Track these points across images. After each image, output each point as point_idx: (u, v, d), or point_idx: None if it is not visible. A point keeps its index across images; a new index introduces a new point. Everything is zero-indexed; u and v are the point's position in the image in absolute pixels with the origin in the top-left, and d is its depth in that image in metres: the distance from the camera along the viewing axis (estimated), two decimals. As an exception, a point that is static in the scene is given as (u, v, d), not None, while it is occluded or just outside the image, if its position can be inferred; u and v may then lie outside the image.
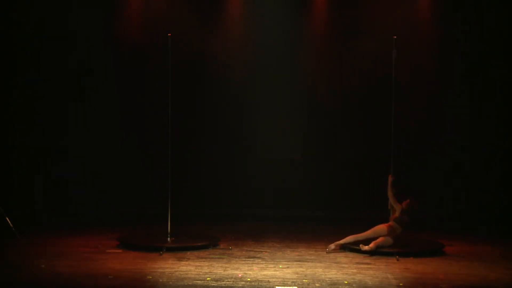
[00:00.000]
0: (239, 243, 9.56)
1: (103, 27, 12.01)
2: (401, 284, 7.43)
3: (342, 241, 9.07)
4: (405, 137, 11.42)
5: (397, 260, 8.59)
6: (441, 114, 12.01)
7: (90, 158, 12.12)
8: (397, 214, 9.09)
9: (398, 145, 9.68)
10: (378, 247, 8.88)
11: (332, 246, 9.06)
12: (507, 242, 9.89)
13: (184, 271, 7.83)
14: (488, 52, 11.79)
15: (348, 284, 7.38)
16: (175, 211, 9.35)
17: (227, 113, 12.29)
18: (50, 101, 11.96)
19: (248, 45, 12.18)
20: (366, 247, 8.86)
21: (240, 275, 7.68)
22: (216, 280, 7.44)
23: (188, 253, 8.82)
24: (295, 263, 8.37)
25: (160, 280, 7.43)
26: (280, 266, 8.18)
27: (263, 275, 7.73)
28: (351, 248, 9.08)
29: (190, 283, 7.31)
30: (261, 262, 8.41)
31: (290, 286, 7.27)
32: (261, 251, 9.05)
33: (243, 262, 8.39)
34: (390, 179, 9.25)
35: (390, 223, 9.06)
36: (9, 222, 9.40)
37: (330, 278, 7.63)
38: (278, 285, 7.28)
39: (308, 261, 8.46)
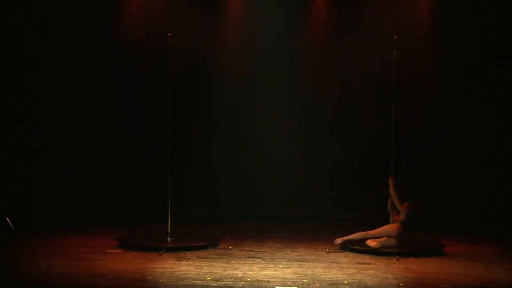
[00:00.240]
0: (239, 243, 9.56)
1: (103, 27, 12.02)
2: (401, 284, 7.44)
3: (350, 237, 9.07)
4: (405, 137, 11.42)
5: (397, 260, 8.59)
6: (441, 114, 12.01)
7: (90, 158, 12.12)
8: (402, 216, 9.08)
9: (398, 145, 9.68)
10: (382, 246, 8.92)
11: (339, 240, 9.06)
12: (507, 242, 9.89)
13: (184, 271, 7.84)
14: (488, 52, 11.79)
15: (348, 284, 7.38)
16: (175, 211, 9.35)
17: (227, 113, 12.29)
18: (50, 101, 11.95)
19: (248, 45, 12.18)
20: (373, 244, 8.91)
21: (240, 275, 7.68)
22: (216, 280, 7.44)
23: (188, 253, 8.82)
24: (295, 263, 8.37)
25: (160, 280, 7.43)
26: (280, 266, 8.18)
27: (263, 275, 7.73)
28: (351, 248, 9.08)
29: (190, 283, 7.31)
30: (261, 262, 8.41)
31: (290, 286, 7.27)
32: (261, 251, 9.05)
33: (243, 262, 8.39)
34: (390, 181, 9.25)
35: (399, 225, 9.04)
36: (9, 222, 9.40)
37: (330, 278, 7.63)
38: (278, 285, 7.29)
39: (308, 261, 8.47)
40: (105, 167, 12.12)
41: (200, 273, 7.77)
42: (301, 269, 8.05)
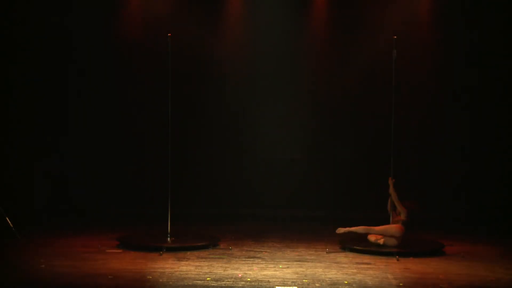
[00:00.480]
0: (239, 243, 9.56)
1: (103, 27, 12.01)
2: (401, 284, 7.44)
3: (353, 229, 9.06)
4: (405, 137, 11.42)
5: (397, 260, 8.59)
6: (441, 114, 12.01)
7: (90, 158, 12.12)
8: (403, 217, 9.09)
9: (398, 145, 9.68)
10: (383, 244, 8.96)
11: (342, 230, 9.05)
12: (507, 242, 9.89)
13: (184, 271, 7.83)
14: (489, 52, 11.79)
15: (348, 284, 7.38)
16: (175, 211, 9.35)
17: (227, 113, 12.29)
18: (50, 100, 11.95)
19: (248, 44, 12.18)
20: (374, 238, 8.95)
21: (240, 275, 7.68)
22: (216, 280, 7.44)
23: (188, 253, 8.82)
24: (295, 263, 8.37)
25: (160, 280, 7.43)
26: (280, 266, 8.18)
27: (263, 275, 7.73)
28: (351, 248, 9.08)
29: (190, 283, 7.31)
30: (261, 262, 8.41)
31: (290, 286, 7.27)
32: (261, 251, 9.05)
33: (243, 262, 8.39)
34: (390, 181, 9.25)
35: (402, 226, 9.05)
36: (9, 222, 9.40)
37: (330, 278, 7.63)
38: (278, 285, 7.29)
39: (308, 261, 8.47)
40: (105, 167, 12.12)
41: (200, 273, 7.77)
42: (301, 269, 8.05)
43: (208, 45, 12.08)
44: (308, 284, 7.34)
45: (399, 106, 9.70)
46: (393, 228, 9.06)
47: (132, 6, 12.08)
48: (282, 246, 9.41)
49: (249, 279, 7.51)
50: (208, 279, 7.50)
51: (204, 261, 8.37)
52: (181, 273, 7.77)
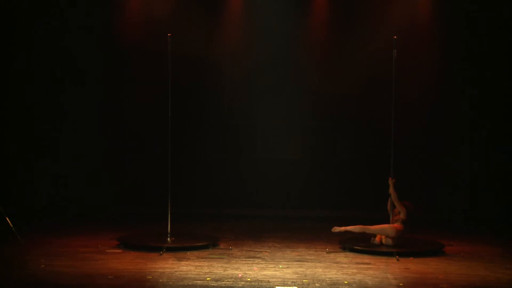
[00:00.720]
0: (239, 243, 9.56)
1: (103, 26, 12.01)
2: (401, 284, 7.44)
3: (349, 228, 9.07)
4: (405, 137, 11.41)
5: (397, 260, 8.59)
6: (441, 114, 12.01)
7: (90, 158, 12.12)
8: (402, 216, 9.09)
9: (398, 145, 9.68)
10: (381, 244, 9.00)
11: (337, 229, 9.05)
12: (507, 242, 9.89)
13: (184, 271, 7.84)
14: (489, 52, 11.79)
15: (348, 284, 7.38)
16: (175, 211, 9.35)
17: (227, 113, 12.29)
18: (49, 101, 11.96)
19: (248, 45, 12.17)
20: (376, 240, 9.02)
21: (240, 275, 7.68)
22: (216, 280, 7.44)
23: (188, 253, 8.82)
24: (295, 263, 8.37)
25: (160, 280, 7.43)
26: (280, 266, 8.18)
27: (263, 275, 7.73)
28: (351, 248, 9.09)
29: (190, 283, 7.31)
30: (261, 262, 8.41)
31: (290, 286, 7.27)
32: (261, 251, 9.05)
33: (243, 262, 8.39)
34: (390, 181, 9.26)
35: (398, 225, 9.05)
36: (9, 222, 9.37)
37: (330, 278, 7.63)
38: (278, 285, 7.28)
39: (308, 261, 8.47)
40: (105, 167, 12.13)
41: (200, 273, 7.77)
42: (301, 269, 8.05)
43: (208, 45, 12.08)
44: (308, 284, 7.34)
45: (399, 106, 9.70)
46: (388, 228, 9.06)
47: (132, 6, 12.09)
48: (282, 246, 9.41)
49: (249, 279, 7.51)
50: (208, 279, 7.50)
51: (204, 261, 8.37)
52: (181, 273, 7.77)
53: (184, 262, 8.32)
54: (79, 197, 11.97)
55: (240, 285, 7.29)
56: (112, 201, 12.04)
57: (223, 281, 7.42)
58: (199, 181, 12.17)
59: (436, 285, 7.38)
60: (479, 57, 11.80)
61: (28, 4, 11.70)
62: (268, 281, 7.44)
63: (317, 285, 7.32)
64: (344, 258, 8.71)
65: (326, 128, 12.33)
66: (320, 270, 8.01)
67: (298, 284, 7.35)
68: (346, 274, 7.83)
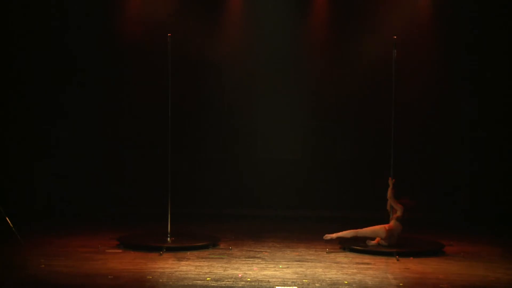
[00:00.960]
0: (239, 243, 9.56)
1: (103, 26, 12.01)
2: (401, 284, 7.44)
3: (340, 234, 9.06)
4: (406, 137, 11.42)
5: (397, 260, 8.59)
6: (441, 114, 12.01)
7: (90, 158, 12.13)
8: (399, 213, 9.11)
9: (398, 145, 9.68)
10: (379, 244, 9.01)
11: (329, 236, 9.04)
12: (507, 242, 9.89)
13: (184, 271, 7.83)
14: (489, 52, 11.79)
15: (348, 284, 7.38)
16: (175, 211, 9.35)
17: (227, 113, 12.29)
18: (49, 101, 11.95)
19: (248, 45, 12.18)
20: (372, 242, 9.03)
21: (240, 275, 7.68)
22: (216, 280, 7.44)
23: (188, 253, 8.82)
24: (295, 263, 8.37)
25: (160, 280, 7.43)
26: (280, 266, 8.18)
27: (263, 275, 7.73)
28: (351, 248, 9.09)
29: (190, 283, 7.31)
30: (261, 262, 8.41)
31: (290, 286, 7.27)
32: (261, 251, 9.05)
33: (243, 262, 8.39)
34: (390, 181, 9.26)
35: (391, 224, 9.06)
36: (9, 222, 9.37)
37: (330, 278, 7.63)
38: (278, 285, 7.28)
39: (308, 261, 8.47)
40: (105, 167, 12.13)
41: (200, 273, 7.77)
42: (301, 269, 8.05)
43: (208, 45, 12.09)
44: (308, 284, 7.34)
45: (399, 106, 9.70)
46: (379, 230, 9.07)
47: (132, 6, 12.09)
48: (282, 246, 9.41)
49: (249, 279, 7.51)
50: (208, 279, 7.50)
51: (204, 261, 8.37)
52: (181, 273, 7.77)
53: (184, 262, 8.32)
54: (79, 197, 11.97)
55: (240, 285, 7.29)
56: (112, 201, 12.04)
57: (223, 281, 7.42)
58: (199, 181, 12.18)
59: (436, 285, 7.38)
60: (479, 57, 11.79)
61: (28, 4, 11.68)
62: (268, 281, 7.44)
63: (317, 285, 7.32)
64: (344, 258, 8.71)
65: (326, 128, 12.34)
66: (320, 270, 8.01)
67: (298, 284, 7.35)
68: (346, 274, 7.83)
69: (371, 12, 11.95)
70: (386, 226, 9.06)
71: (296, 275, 7.73)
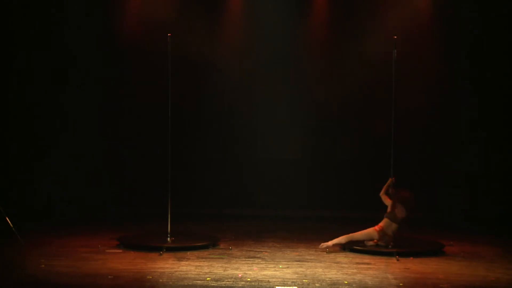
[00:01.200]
0: (239, 243, 9.56)
1: (103, 26, 12.01)
2: (401, 284, 7.43)
3: (336, 241, 9.03)
4: (405, 137, 11.41)
5: (397, 260, 8.59)
6: (441, 114, 12.01)
7: (90, 158, 12.13)
8: (388, 209, 9.12)
9: (398, 145, 9.68)
10: (378, 245, 9.02)
11: (325, 245, 9.03)
12: (507, 242, 9.89)
13: (184, 271, 7.83)
14: (489, 52, 11.79)
15: (348, 284, 7.38)
16: (175, 211, 9.35)
17: (227, 113, 12.30)
18: (49, 101, 11.95)
19: (248, 45, 12.18)
20: (371, 242, 9.02)
21: (240, 275, 7.67)
22: (216, 280, 7.43)
23: (188, 253, 8.82)
24: (295, 263, 8.37)
25: (160, 280, 7.43)
26: (280, 266, 8.18)
27: (263, 275, 7.73)
28: (351, 248, 9.08)
29: (190, 283, 7.31)
30: (261, 262, 8.41)
31: (290, 286, 7.27)
32: (261, 251, 9.05)
33: (243, 262, 8.39)
34: (390, 181, 9.27)
35: (381, 224, 9.06)
36: (10, 223, 9.37)
37: (330, 278, 7.63)
38: (278, 285, 7.28)
39: (308, 261, 8.47)
40: (105, 167, 12.13)
41: (200, 273, 7.77)
42: (301, 269, 8.05)
43: (208, 45, 12.09)
44: (308, 284, 7.34)
45: (399, 106, 9.70)
46: (371, 232, 9.07)
47: (132, 6, 12.09)
48: (282, 246, 9.41)
49: (249, 279, 7.51)
50: (208, 279, 7.49)
51: (204, 261, 8.37)
52: (181, 273, 7.76)
53: (184, 262, 8.32)
54: (79, 197, 11.97)
55: (240, 285, 7.29)
56: (112, 201, 12.04)
57: (223, 281, 7.42)
58: (199, 181, 12.18)
59: (436, 285, 7.38)
60: (479, 57, 11.79)
61: (28, 4, 11.68)
62: (268, 281, 7.44)
63: (317, 285, 7.32)
64: (344, 258, 8.71)
65: (326, 128, 12.34)
66: (320, 270, 8.01)
67: (298, 284, 7.35)
68: (346, 274, 7.83)
69: (371, 12, 11.95)
70: (376, 227, 9.06)
71: (296, 275, 7.73)
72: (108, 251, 8.90)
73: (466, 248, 9.36)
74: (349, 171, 12.17)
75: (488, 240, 10.02)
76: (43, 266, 8.01)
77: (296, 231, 10.59)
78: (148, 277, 7.56)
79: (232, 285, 7.27)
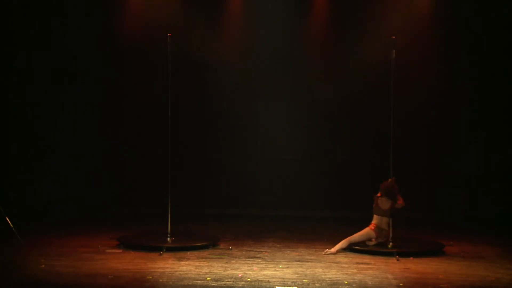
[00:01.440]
0: (239, 243, 9.56)
1: (103, 26, 12.01)
2: (401, 284, 7.43)
3: (338, 246, 8.99)
4: (405, 137, 11.41)
5: (397, 260, 8.59)
6: (441, 114, 12.01)
7: (90, 158, 12.13)
8: (373, 205, 9.15)
9: (397, 145, 9.68)
10: (378, 243, 9.06)
11: (329, 251, 8.99)
12: (507, 242, 9.89)
13: (184, 271, 7.83)
14: (489, 52, 11.79)
15: (348, 284, 7.38)
16: (175, 211, 9.35)
17: (227, 113, 12.29)
18: (49, 101, 11.95)
19: (248, 45, 12.18)
20: (371, 242, 9.04)
21: (240, 275, 7.67)
22: (216, 280, 7.43)
23: (188, 253, 8.82)
24: (295, 263, 8.37)
25: (160, 280, 7.43)
26: (280, 266, 8.18)
27: (263, 275, 7.73)
28: (351, 248, 9.08)
29: (190, 283, 7.31)
30: (261, 262, 8.41)
31: (290, 286, 7.27)
32: (261, 251, 9.05)
33: (243, 262, 8.39)
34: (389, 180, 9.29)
35: (373, 221, 9.08)
36: (10, 223, 9.37)
37: (330, 278, 7.63)
38: (278, 285, 7.28)
39: (308, 261, 8.47)
40: (105, 167, 12.13)
41: (200, 273, 7.77)
42: (301, 269, 8.05)
43: (208, 45, 12.09)
44: (308, 284, 7.34)
45: (399, 106, 9.70)
46: (368, 232, 9.08)
47: (132, 6, 12.09)
48: (282, 246, 9.41)
49: (249, 279, 7.51)
50: (208, 279, 7.50)
51: (204, 261, 8.37)
52: (181, 273, 7.76)
53: (184, 262, 8.32)
54: (79, 197, 11.97)
55: (240, 285, 7.29)
56: (112, 201, 12.04)
57: (223, 281, 7.42)
58: (199, 181, 12.17)
59: (436, 285, 7.38)
60: (479, 57, 11.79)
61: (28, 4, 11.68)
62: (268, 281, 7.44)
63: (317, 285, 7.32)
64: (344, 258, 8.71)
65: (326, 128, 12.33)
66: (320, 270, 8.01)
67: (298, 284, 7.35)
68: (346, 274, 7.83)
69: (371, 12, 11.95)
70: (370, 226, 9.07)
71: (296, 275, 7.73)
72: (108, 251, 8.90)
73: (466, 248, 9.36)
74: (349, 171, 12.17)
75: (488, 240, 10.02)
76: (43, 266, 8.01)
77: (296, 231, 10.59)
78: (148, 277, 7.56)
79: (232, 285, 7.27)
